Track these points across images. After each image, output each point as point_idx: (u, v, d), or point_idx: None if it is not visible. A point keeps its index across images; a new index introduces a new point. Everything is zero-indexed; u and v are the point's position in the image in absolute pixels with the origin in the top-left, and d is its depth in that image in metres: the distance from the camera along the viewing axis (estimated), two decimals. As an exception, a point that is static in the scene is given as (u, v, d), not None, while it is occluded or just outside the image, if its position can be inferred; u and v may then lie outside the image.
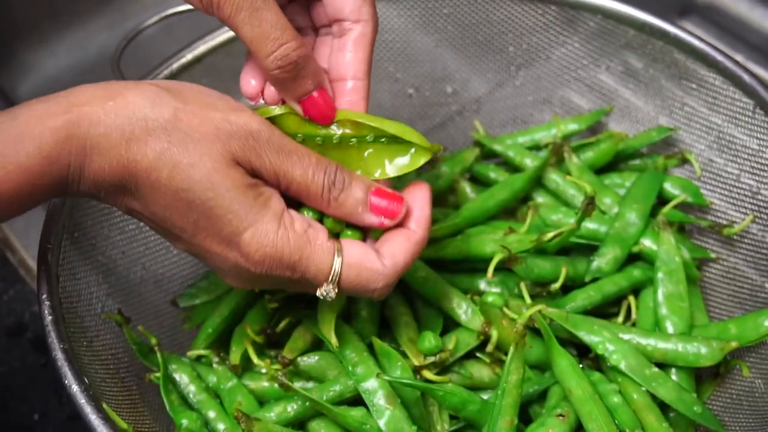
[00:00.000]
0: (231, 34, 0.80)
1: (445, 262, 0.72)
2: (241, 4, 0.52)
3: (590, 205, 0.65)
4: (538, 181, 0.79)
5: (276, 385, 0.66)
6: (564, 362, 0.64)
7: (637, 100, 0.83)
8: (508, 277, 0.70)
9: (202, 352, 0.70)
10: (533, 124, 0.87)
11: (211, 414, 0.66)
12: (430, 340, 0.64)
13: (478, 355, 0.68)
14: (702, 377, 0.70)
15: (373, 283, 0.55)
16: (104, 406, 0.57)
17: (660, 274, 0.70)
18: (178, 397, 0.67)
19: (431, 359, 0.65)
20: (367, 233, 0.59)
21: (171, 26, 0.97)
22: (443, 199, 0.81)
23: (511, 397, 0.60)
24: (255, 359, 0.67)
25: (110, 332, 0.67)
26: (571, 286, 0.71)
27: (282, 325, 0.70)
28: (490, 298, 0.67)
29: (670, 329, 0.68)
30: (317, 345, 0.68)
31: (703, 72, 0.76)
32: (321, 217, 0.58)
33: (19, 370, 0.84)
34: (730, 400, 0.69)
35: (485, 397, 0.64)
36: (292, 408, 0.64)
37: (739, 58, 0.74)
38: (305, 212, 0.57)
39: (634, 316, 0.71)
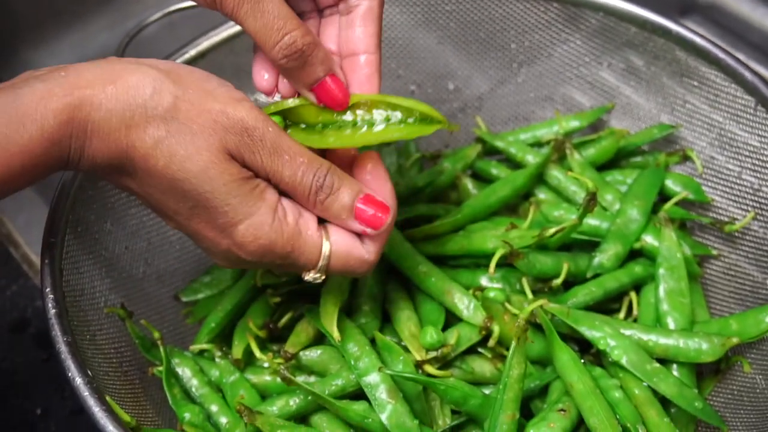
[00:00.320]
0: (233, 30, 0.80)
1: (447, 258, 0.72)
2: None
3: (592, 201, 0.65)
4: (539, 178, 0.79)
5: (278, 380, 0.66)
6: (565, 357, 0.64)
7: (639, 97, 0.83)
8: (509, 272, 0.70)
9: (204, 346, 0.70)
10: (535, 121, 0.88)
11: (214, 408, 0.66)
12: (431, 334, 0.64)
13: (479, 350, 0.68)
14: (703, 373, 0.70)
15: (358, 268, 0.58)
16: (107, 399, 0.57)
17: (661, 271, 0.70)
18: (180, 391, 0.67)
19: (433, 354, 0.65)
20: None
21: (173, 23, 0.97)
22: (445, 195, 0.82)
23: (512, 392, 0.60)
24: (257, 353, 0.67)
25: (113, 326, 0.67)
26: (572, 282, 0.71)
27: (284, 319, 0.70)
28: (491, 294, 0.67)
29: (672, 325, 0.68)
30: (319, 339, 0.68)
31: (704, 69, 0.76)
32: None
33: (22, 366, 0.84)
34: (731, 396, 0.69)
35: (487, 392, 0.65)
36: (294, 402, 0.64)
37: (740, 57, 0.74)
38: None
39: (635, 312, 0.71)
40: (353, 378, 0.63)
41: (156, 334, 0.67)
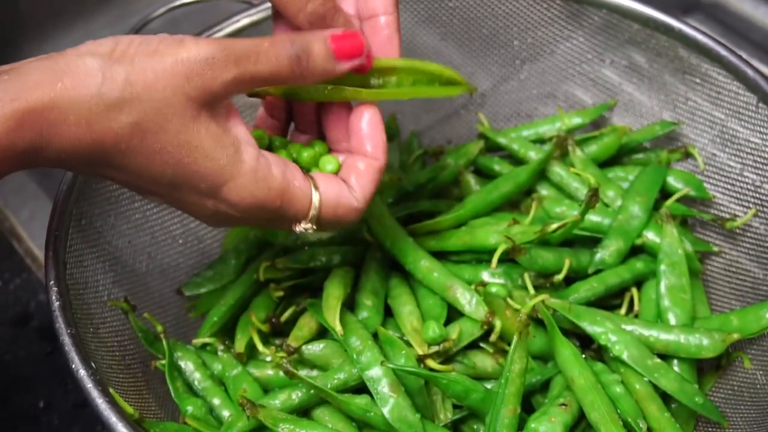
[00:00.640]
0: (236, 26, 0.80)
1: (450, 253, 0.72)
2: None
3: (594, 197, 0.65)
4: (542, 174, 0.79)
5: (281, 373, 0.67)
6: (567, 352, 0.64)
7: (641, 94, 0.83)
8: (511, 268, 0.71)
9: (207, 340, 0.70)
10: (537, 118, 0.88)
11: (216, 401, 0.67)
12: (434, 329, 0.65)
13: (481, 345, 0.68)
14: (704, 369, 0.71)
15: (348, 216, 0.58)
16: (111, 391, 0.57)
17: (663, 266, 0.70)
18: (183, 384, 0.68)
19: (435, 349, 0.65)
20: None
21: (176, 19, 0.97)
22: (448, 191, 0.82)
23: (514, 386, 0.60)
24: (260, 347, 0.67)
25: (116, 320, 0.68)
26: (574, 277, 0.71)
27: (287, 314, 0.70)
28: (493, 289, 0.68)
29: (673, 321, 0.68)
30: (322, 333, 0.68)
31: (706, 67, 0.76)
32: (294, 157, 0.59)
33: (25, 359, 0.84)
34: (731, 392, 0.69)
35: (488, 386, 0.65)
36: (296, 395, 0.65)
37: (742, 54, 0.74)
38: (280, 153, 0.58)
39: (636, 307, 0.72)
40: (355, 372, 0.64)
41: (159, 328, 0.68)
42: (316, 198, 0.56)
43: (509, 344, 0.62)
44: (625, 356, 0.64)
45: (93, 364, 0.58)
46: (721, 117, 0.77)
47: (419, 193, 0.80)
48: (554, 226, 0.67)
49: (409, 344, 0.66)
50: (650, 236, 0.72)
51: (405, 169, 0.84)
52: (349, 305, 0.69)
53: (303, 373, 0.66)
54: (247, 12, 0.79)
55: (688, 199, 0.78)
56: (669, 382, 0.64)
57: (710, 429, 0.68)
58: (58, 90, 0.48)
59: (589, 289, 0.69)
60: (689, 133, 0.80)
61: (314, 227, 0.57)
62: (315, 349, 0.67)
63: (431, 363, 0.64)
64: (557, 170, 0.78)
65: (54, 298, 0.60)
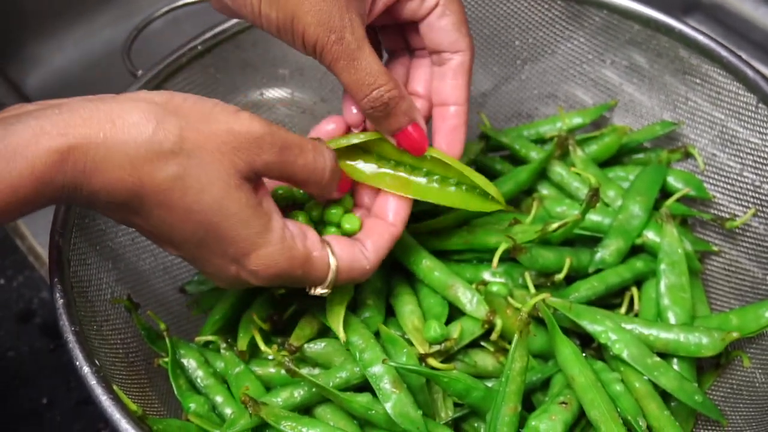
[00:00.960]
0: (239, 26, 0.81)
1: (451, 253, 0.73)
2: (339, 55, 0.56)
3: (594, 197, 0.66)
4: (542, 174, 0.80)
5: (283, 372, 0.67)
6: (567, 351, 0.64)
7: (641, 95, 0.83)
8: (512, 267, 0.71)
9: (209, 338, 0.71)
10: (538, 118, 0.88)
11: (219, 398, 0.67)
12: (435, 328, 0.65)
13: (482, 343, 0.69)
14: (703, 367, 0.71)
15: (360, 277, 0.61)
16: (114, 388, 0.58)
17: (662, 266, 0.71)
18: (186, 382, 0.68)
19: (436, 347, 0.65)
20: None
21: (178, 19, 0.98)
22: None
23: (514, 385, 0.61)
24: (262, 346, 0.67)
25: (119, 317, 0.68)
26: (574, 276, 0.71)
27: (289, 312, 0.70)
28: (494, 288, 0.68)
29: (672, 320, 0.69)
30: (324, 332, 0.68)
31: (706, 67, 0.76)
32: (312, 221, 0.63)
33: (28, 356, 0.85)
34: (730, 391, 0.70)
35: (489, 384, 0.65)
36: (298, 393, 0.65)
37: (742, 55, 0.74)
38: (297, 217, 0.62)
39: (636, 306, 0.72)
40: (357, 370, 0.64)
41: (162, 326, 0.68)
42: (333, 264, 0.59)
43: (510, 343, 0.62)
44: (625, 355, 0.65)
45: (97, 362, 0.58)
46: (721, 117, 0.77)
47: (421, 192, 0.80)
48: (555, 225, 0.68)
49: (410, 343, 0.66)
50: (650, 236, 0.73)
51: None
52: (352, 305, 0.69)
53: (305, 371, 0.66)
54: (250, 12, 0.79)
55: (688, 198, 0.78)
56: (668, 380, 0.64)
57: (709, 427, 0.68)
58: (108, 129, 0.48)
59: (589, 288, 0.70)
60: (689, 133, 0.81)
61: (330, 290, 0.60)
62: (317, 347, 0.67)
63: (432, 362, 0.64)
64: (558, 170, 0.79)
65: (58, 296, 0.61)
